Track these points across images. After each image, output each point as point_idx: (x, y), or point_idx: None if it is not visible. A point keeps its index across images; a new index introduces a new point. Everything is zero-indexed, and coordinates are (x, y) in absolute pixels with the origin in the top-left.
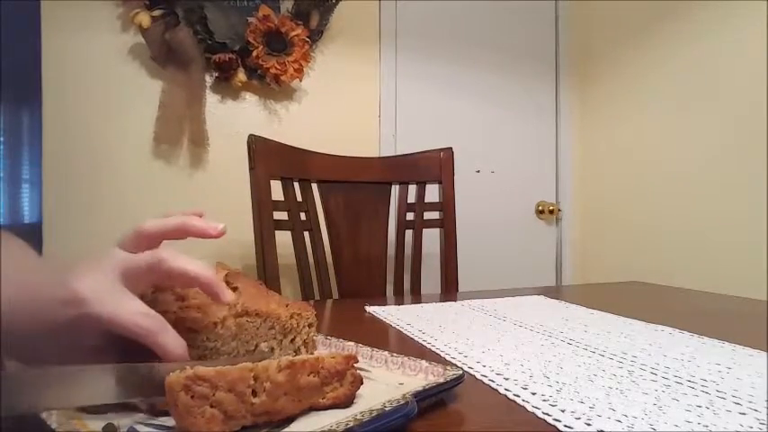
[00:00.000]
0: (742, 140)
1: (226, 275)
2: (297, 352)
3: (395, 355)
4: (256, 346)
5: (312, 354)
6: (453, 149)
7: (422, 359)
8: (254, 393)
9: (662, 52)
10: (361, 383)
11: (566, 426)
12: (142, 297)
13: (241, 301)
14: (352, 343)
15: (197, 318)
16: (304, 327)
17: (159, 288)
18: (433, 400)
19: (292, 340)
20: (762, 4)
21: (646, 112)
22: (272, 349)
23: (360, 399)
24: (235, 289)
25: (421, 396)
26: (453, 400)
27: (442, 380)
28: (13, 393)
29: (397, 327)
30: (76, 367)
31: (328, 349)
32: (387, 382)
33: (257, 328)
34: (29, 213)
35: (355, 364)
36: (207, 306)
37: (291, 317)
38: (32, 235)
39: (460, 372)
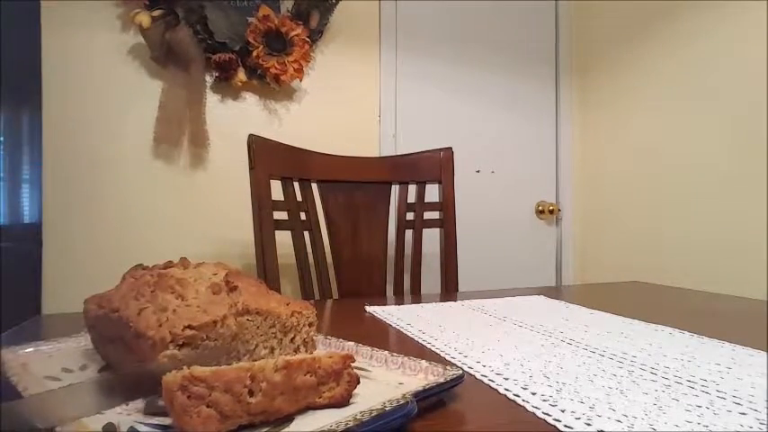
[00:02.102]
0: (742, 140)
1: (226, 275)
2: (296, 351)
3: (395, 354)
4: (256, 345)
5: (311, 353)
6: (453, 149)
7: (422, 359)
8: (251, 393)
9: (662, 52)
10: (358, 383)
11: (566, 426)
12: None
13: (241, 299)
14: (351, 343)
15: (196, 316)
16: (304, 325)
17: (159, 287)
18: (433, 400)
19: (292, 339)
20: (762, 4)
21: (646, 112)
22: (273, 349)
23: (359, 398)
24: (235, 288)
25: (421, 396)
26: (453, 400)
27: (442, 380)
28: (14, 414)
29: (397, 327)
30: (69, 385)
31: (328, 349)
32: (386, 381)
33: (257, 327)
34: (29, 213)
35: (354, 364)
36: (207, 305)
37: (292, 315)
38: (32, 235)
39: (460, 372)
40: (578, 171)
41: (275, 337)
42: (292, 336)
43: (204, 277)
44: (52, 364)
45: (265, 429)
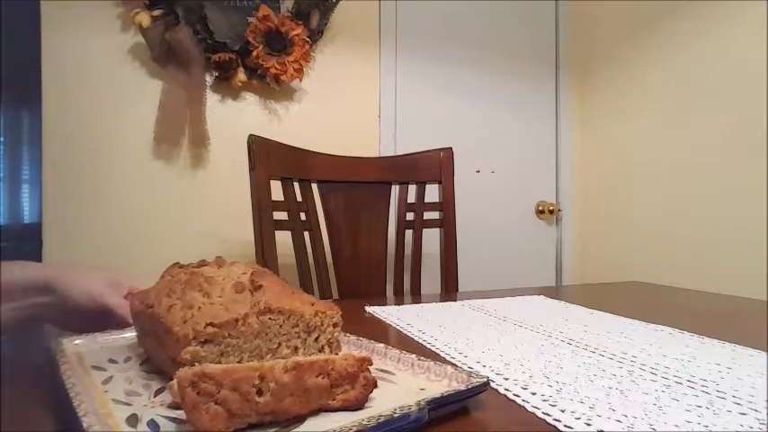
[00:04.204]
0: (742, 140)
1: (252, 274)
2: (321, 351)
3: (421, 359)
4: (279, 344)
5: (336, 353)
6: (453, 149)
7: (447, 365)
8: (259, 393)
9: (662, 52)
10: (375, 387)
11: (566, 426)
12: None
13: (264, 298)
14: (381, 345)
15: (219, 314)
16: (328, 326)
17: (189, 284)
18: (455, 407)
19: (316, 339)
20: (762, 4)
21: (646, 112)
22: (296, 349)
23: (376, 402)
24: (259, 287)
25: (437, 404)
26: None
27: (462, 387)
28: None
29: (397, 327)
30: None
31: (359, 350)
32: (408, 386)
33: (280, 326)
34: (29, 213)
35: (381, 367)
36: (230, 303)
37: (316, 314)
38: (32, 235)
39: (484, 379)
40: (578, 171)
41: (299, 337)
42: (316, 336)
43: (234, 276)
44: (101, 355)
45: (274, 429)
